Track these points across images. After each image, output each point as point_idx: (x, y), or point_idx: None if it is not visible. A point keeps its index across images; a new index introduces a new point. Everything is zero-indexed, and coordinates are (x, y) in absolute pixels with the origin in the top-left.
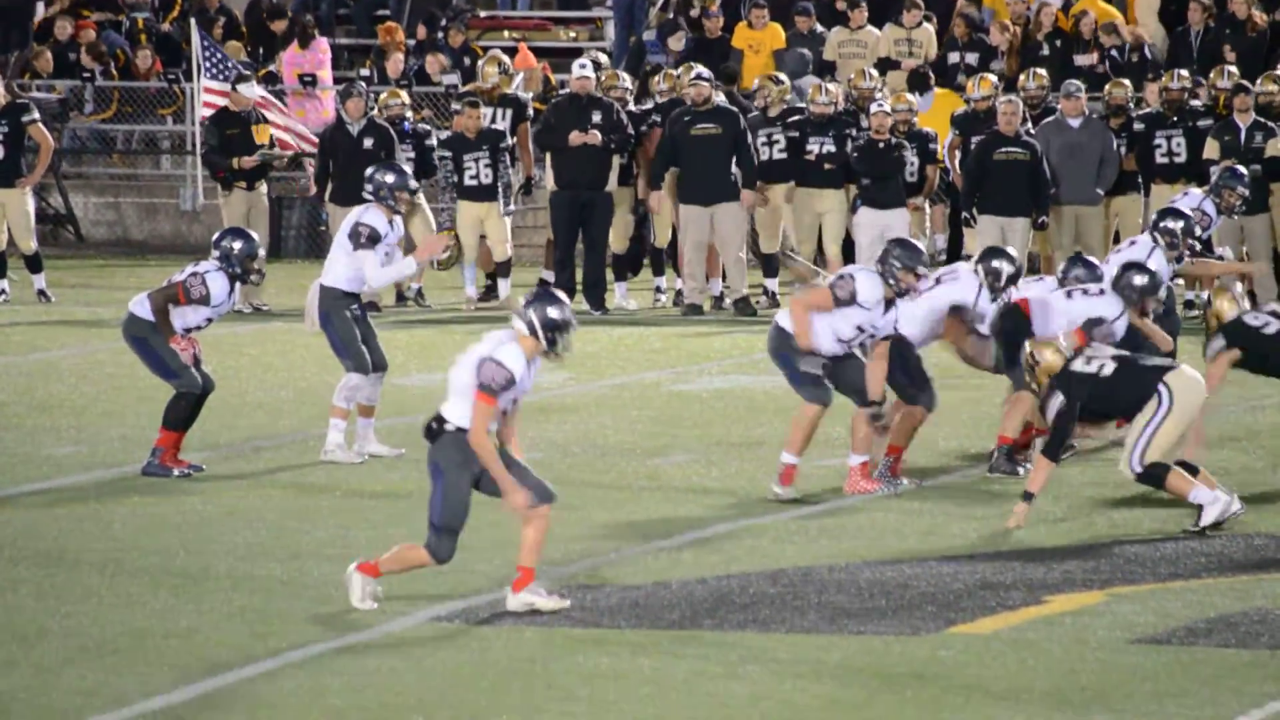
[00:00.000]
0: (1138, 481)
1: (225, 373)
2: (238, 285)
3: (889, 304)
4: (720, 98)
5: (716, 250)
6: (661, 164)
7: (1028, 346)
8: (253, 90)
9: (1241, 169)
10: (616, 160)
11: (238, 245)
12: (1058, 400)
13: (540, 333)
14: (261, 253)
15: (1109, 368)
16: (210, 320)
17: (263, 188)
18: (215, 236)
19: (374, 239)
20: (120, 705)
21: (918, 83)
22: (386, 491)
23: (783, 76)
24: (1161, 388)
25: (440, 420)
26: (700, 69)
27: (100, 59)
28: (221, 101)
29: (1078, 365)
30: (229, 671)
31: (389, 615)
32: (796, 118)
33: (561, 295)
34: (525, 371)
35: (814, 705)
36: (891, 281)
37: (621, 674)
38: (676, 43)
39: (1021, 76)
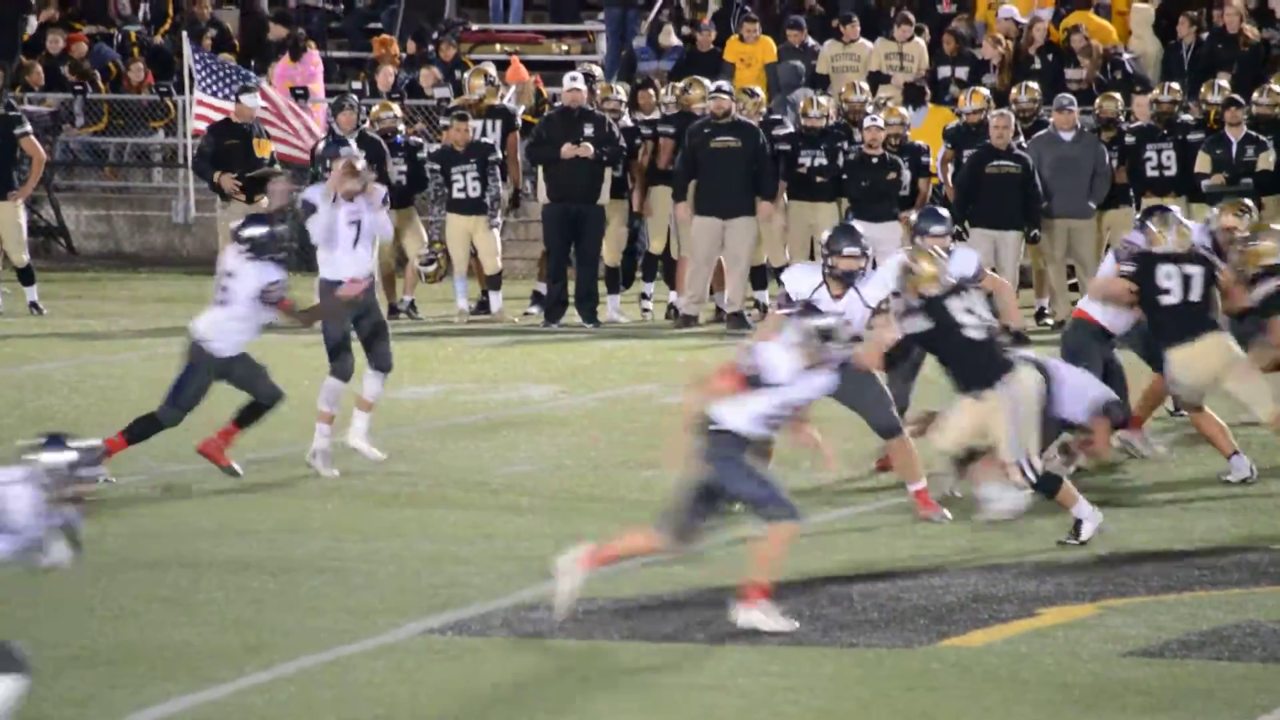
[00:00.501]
0: (1035, 489)
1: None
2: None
3: (838, 294)
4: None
5: (721, 264)
6: (684, 176)
7: (909, 253)
8: (255, 101)
9: (852, 225)
10: (609, 173)
11: (259, 232)
12: (915, 322)
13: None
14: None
15: (976, 333)
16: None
17: (263, 202)
18: (236, 229)
19: (309, 210)
20: (112, 717)
21: (913, 96)
22: (379, 503)
23: (758, 89)
24: (1001, 385)
25: (711, 422)
26: (720, 82)
27: (85, 76)
28: (216, 115)
29: (953, 304)
30: (221, 684)
31: (381, 627)
32: (785, 130)
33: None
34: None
35: (806, 718)
36: (826, 270)
37: (613, 686)
38: (666, 38)
39: (1014, 90)
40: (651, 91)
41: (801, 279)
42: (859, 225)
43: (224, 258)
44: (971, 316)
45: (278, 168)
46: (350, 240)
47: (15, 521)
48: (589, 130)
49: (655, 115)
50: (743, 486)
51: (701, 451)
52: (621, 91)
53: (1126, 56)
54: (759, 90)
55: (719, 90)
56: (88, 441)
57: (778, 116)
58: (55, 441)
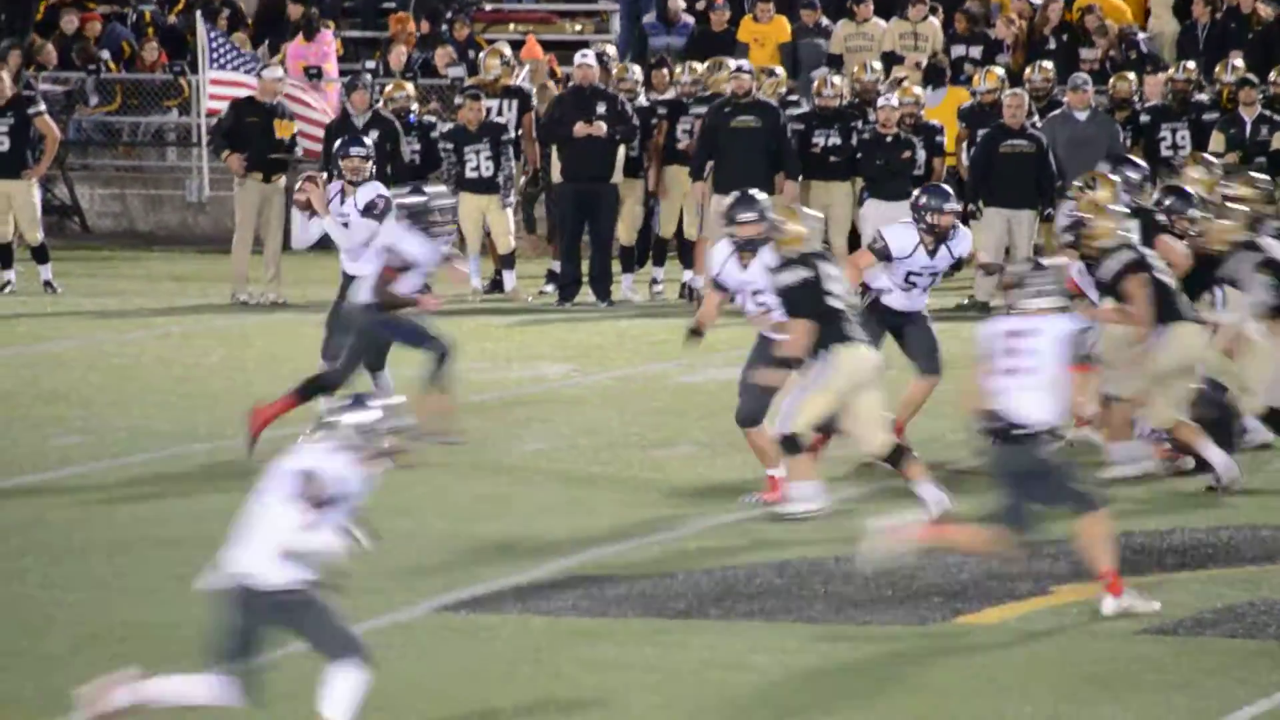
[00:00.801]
0: (781, 446)
1: (232, 364)
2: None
3: (932, 248)
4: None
5: None
6: (703, 156)
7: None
8: (277, 73)
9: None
10: (622, 151)
11: (411, 201)
12: (797, 274)
13: None
14: (442, 201)
15: (835, 301)
16: (425, 278)
17: (281, 181)
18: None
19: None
20: None
21: (933, 76)
22: (393, 481)
23: (778, 69)
24: (829, 354)
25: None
26: (743, 62)
27: (91, 60)
28: (229, 92)
29: (825, 267)
30: None
31: (395, 605)
32: (799, 110)
33: None
34: None
35: (820, 695)
36: (923, 226)
37: (628, 664)
38: (675, 2)
39: (1027, 69)
40: (665, 71)
41: (903, 236)
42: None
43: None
44: (836, 284)
45: (298, 151)
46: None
47: (349, 488)
48: (601, 109)
49: (670, 95)
50: (1042, 490)
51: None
52: (638, 72)
53: (1141, 36)
54: (779, 70)
55: (740, 70)
56: (390, 399)
57: (794, 97)
58: (358, 402)
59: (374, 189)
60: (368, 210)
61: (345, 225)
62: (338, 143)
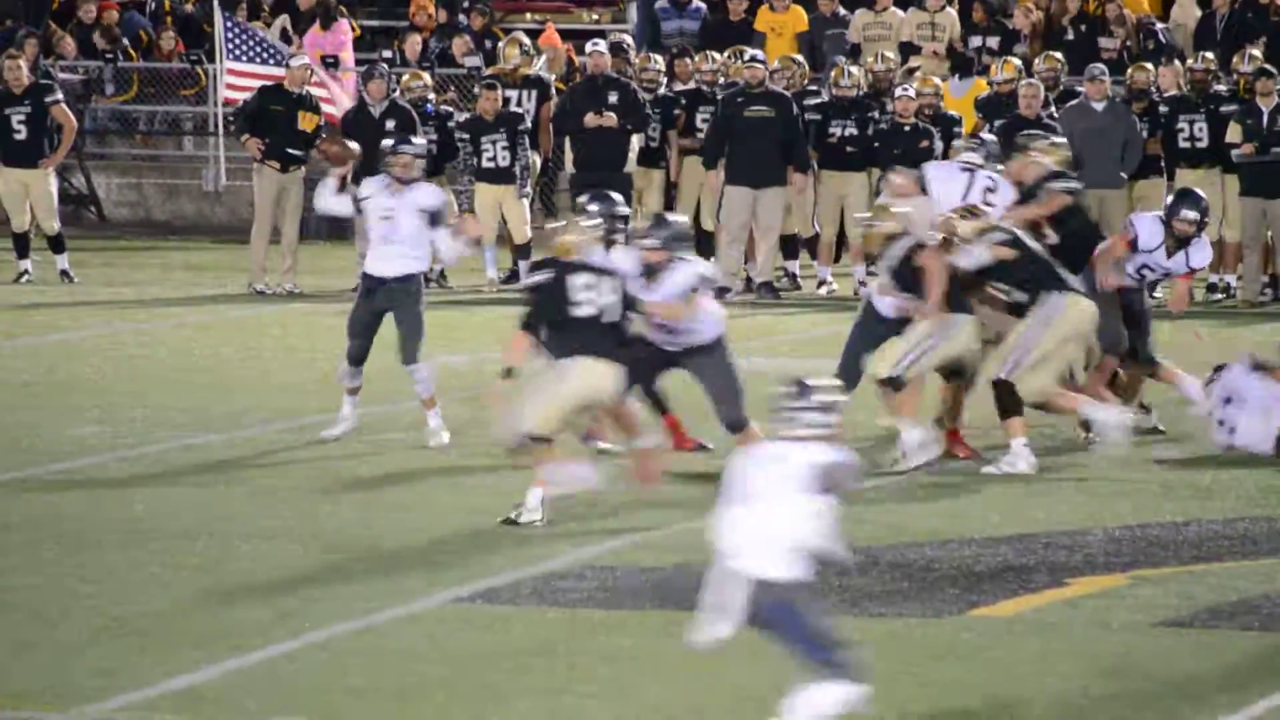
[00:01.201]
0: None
1: (249, 354)
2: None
3: (1173, 250)
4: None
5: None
6: (716, 145)
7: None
8: (302, 60)
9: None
10: (636, 141)
11: (596, 207)
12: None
13: None
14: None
15: (585, 310)
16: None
17: (300, 172)
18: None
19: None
20: (142, 685)
21: (960, 65)
22: (409, 472)
23: (800, 58)
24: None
25: None
26: (754, 51)
27: (114, 41)
28: (247, 83)
29: (576, 279)
30: (250, 652)
31: (411, 596)
32: (817, 100)
33: None
34: None
35: None
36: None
37: (643, 656)
38: None
39: (1036, 60)
40: (688, 61)
41: (1151, 228)
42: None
43: None
44: (589, 294)
45: (313, 154)
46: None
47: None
48: (613, 98)
49: (690, 85)
50: None
51: None
52: (659, 62)
53: (1160, 26)
54: (802, 59)
55: (753, 60)
56: (825, 380)
57: (814, 87)
58: (803, 389)
59: (433, 193)
60: (434, 220)
61: (388, 219)
62: (389, 140)
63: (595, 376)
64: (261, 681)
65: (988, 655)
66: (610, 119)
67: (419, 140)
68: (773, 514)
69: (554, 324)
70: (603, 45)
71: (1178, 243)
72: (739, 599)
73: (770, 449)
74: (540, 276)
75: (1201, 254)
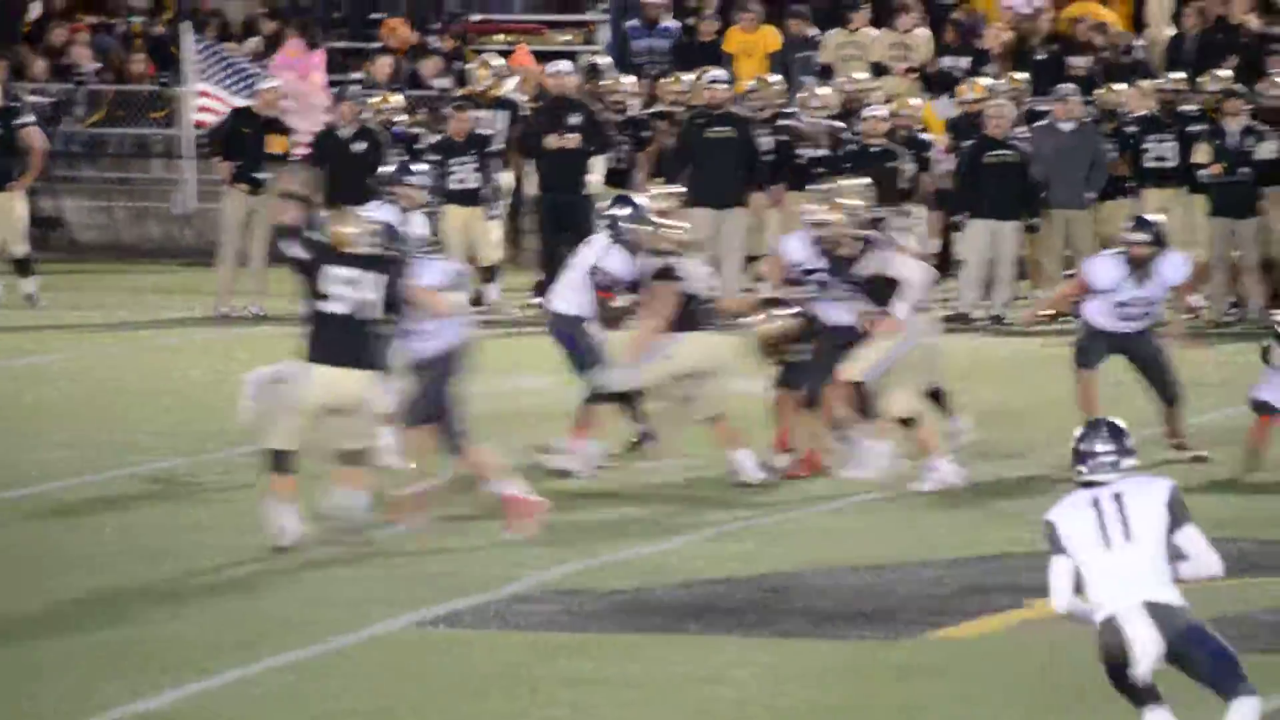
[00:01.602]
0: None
1: (216, 377)
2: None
3: (1141, 277)
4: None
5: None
6: (679, 167)
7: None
8: (272, 82)
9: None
10: (603, 161)
11: (625, 212)
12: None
13: None
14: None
15: (338, 306)
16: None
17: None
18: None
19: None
20: (106, 709)
21: (934, 84)
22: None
23: (778, 78)
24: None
25: None
26: (716, 72)
27: (77, 70)
28: (218, 106)
29: (335, 271)
30: (214, 675)
31: (374, 619)
32: (787, 121)
33: None
34: None
35: (798, 709)
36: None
37: (606, 679)
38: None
39: (999, 80)
40: (664, 82)
41: (1104, 265)
42: None
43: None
44: (347, 289)
45: (281, 182)
46: None
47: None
48: (575, 120)
49: (662, 107)
50: None
51: None
52: (629, 83)
53: (1138, 44)
54: (779, 78)
55: (714, 80)
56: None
57: (791, 109)
58: (1112, 430)
59: (423, 224)
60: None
61: None
62: (393, 166)
63: (334, 385)
64: (227, 705)
65: (950, 677)
66: (571, 140)
67: (420, 167)
68: (1157, 546)
69: (307, 317)
70: (564, 66)
71: (1141, 267)
72: (1150, 634)
73: (1126, 485)
74: (300, 252)
75: (1173, 267)
